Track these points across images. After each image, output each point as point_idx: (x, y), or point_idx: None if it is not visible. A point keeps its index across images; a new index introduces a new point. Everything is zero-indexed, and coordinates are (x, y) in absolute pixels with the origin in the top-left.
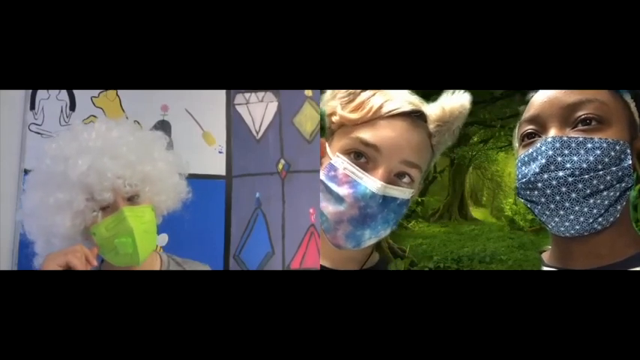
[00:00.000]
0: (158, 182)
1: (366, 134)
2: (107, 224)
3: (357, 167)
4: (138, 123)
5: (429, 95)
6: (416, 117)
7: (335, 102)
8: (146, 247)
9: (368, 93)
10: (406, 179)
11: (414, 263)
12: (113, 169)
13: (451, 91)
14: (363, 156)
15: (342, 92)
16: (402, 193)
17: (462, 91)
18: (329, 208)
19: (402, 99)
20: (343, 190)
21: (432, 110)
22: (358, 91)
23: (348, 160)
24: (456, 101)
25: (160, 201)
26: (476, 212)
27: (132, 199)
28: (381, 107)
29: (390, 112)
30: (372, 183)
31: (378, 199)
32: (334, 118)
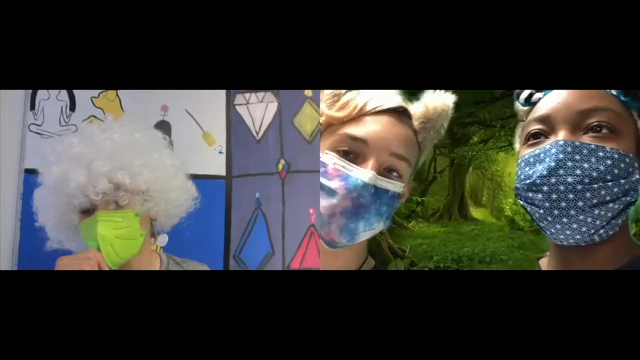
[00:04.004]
0: (140, 191)
1: (353, 129)
2: (85, 225)
3: (346, 162)
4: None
5: None
6: (400, 113)
7: (320, 105)
8: (117, 253)
9: (352, 93)
10: (395, 173)
11: (414, 263)
12: (80, 178)
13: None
14: (351, 152)
15: (327, 94)
16: (393, 185)
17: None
18: (321, 202)
19: (385, 96)
20: (334, 184)
21: (416, 108)
22: (343, 91)
23: (337, 156)
24: (439, 99)
25: (148, 208)
26: (476, 212)
27: (117, 204)
28: (365, 104)
29: (375, 108)
30: (362, 173)
31: (369, 189)
32: (321, 120)
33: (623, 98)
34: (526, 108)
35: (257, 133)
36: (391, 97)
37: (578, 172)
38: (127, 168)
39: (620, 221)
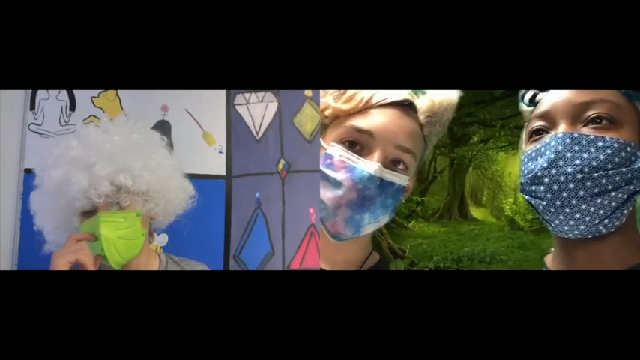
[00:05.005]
0: (140, 193)
1: (360, 122)
2: (86, 226)
3: (353, 154)
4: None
5: None
6: (406, 106)
7: (327, 97)
8: (120, 253)
9: None
10: (401, 166)
11: (414, 263)
12: (83, 182)
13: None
14: (357, 144)
15: None
16: (399, 178)
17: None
18: (327, 194)
19: (391, 90)
20: (340, 175)
21: (422, 102)
22: None
23: (343, 148)
24: (444, 94)
25: (149, 208)
26: (476, 212)
27: (119, 205)
28: (372, 97)
29: (381, 101)
30: (368, 165)
31: (375, 181)
32: (327, 112)
33: (623, 90)
34: (530, 108)
35: (257, 133)
36: (397, 91)
37: (577, 162)
38: (129, 170)
39: (625, 211)
